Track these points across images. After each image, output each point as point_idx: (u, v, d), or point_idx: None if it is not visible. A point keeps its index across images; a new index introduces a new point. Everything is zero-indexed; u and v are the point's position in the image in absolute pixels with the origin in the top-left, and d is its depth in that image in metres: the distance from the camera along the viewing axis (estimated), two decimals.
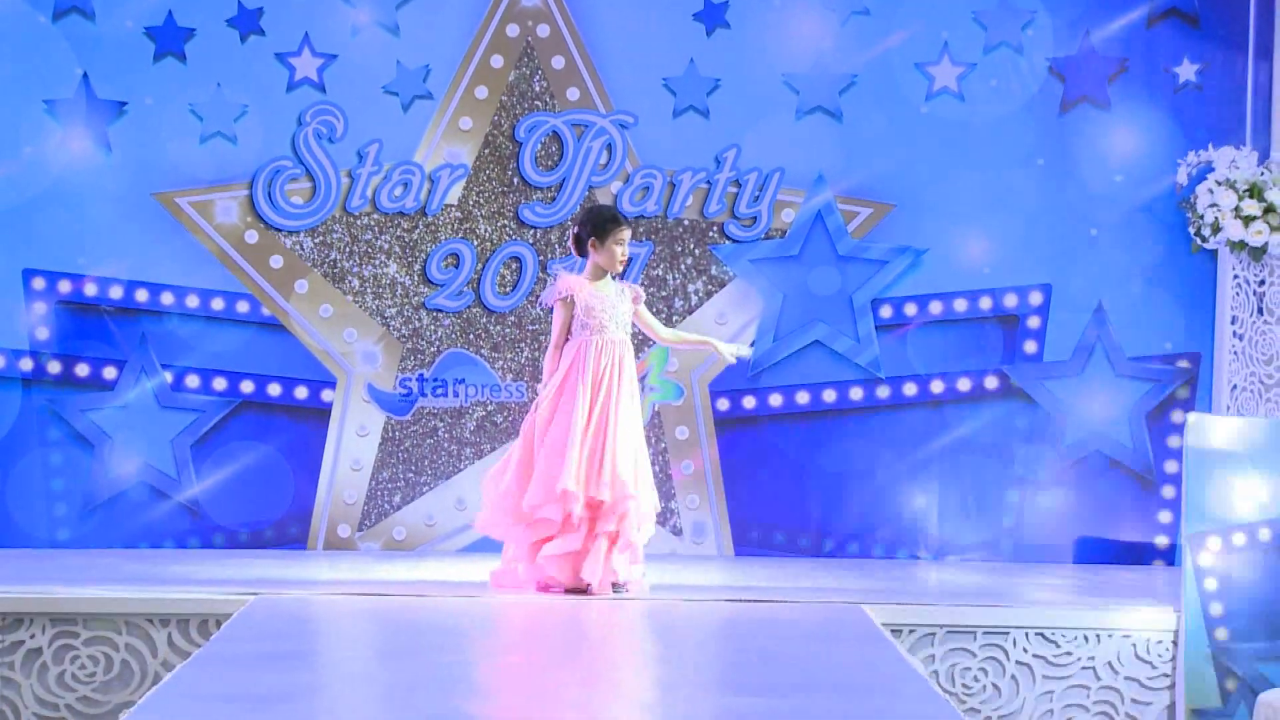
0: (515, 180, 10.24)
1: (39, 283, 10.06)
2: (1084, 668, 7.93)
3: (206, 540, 10.11)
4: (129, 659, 7.74)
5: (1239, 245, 9.90)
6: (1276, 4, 10.12)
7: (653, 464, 8.75)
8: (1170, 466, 10.13)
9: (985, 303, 10.24)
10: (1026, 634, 7.91)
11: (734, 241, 10.23)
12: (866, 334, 10.21)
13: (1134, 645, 7.96)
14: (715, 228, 10.24)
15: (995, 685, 7.92)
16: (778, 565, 9.76)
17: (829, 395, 10.22)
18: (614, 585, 8.19)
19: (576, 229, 8.42)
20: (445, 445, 10.19)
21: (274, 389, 10.16)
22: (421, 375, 10.21)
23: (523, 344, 10.21)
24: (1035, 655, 7.92)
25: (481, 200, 10.23)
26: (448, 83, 10.21)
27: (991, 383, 10.22)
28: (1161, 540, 10.20)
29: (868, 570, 9.58)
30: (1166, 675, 7.96)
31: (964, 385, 10.22)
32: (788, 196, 10.23)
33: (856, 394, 10.23)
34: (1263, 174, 9.89)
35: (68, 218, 10.05)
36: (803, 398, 10.23)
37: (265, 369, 10.16)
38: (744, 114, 10.22)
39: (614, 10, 10.25)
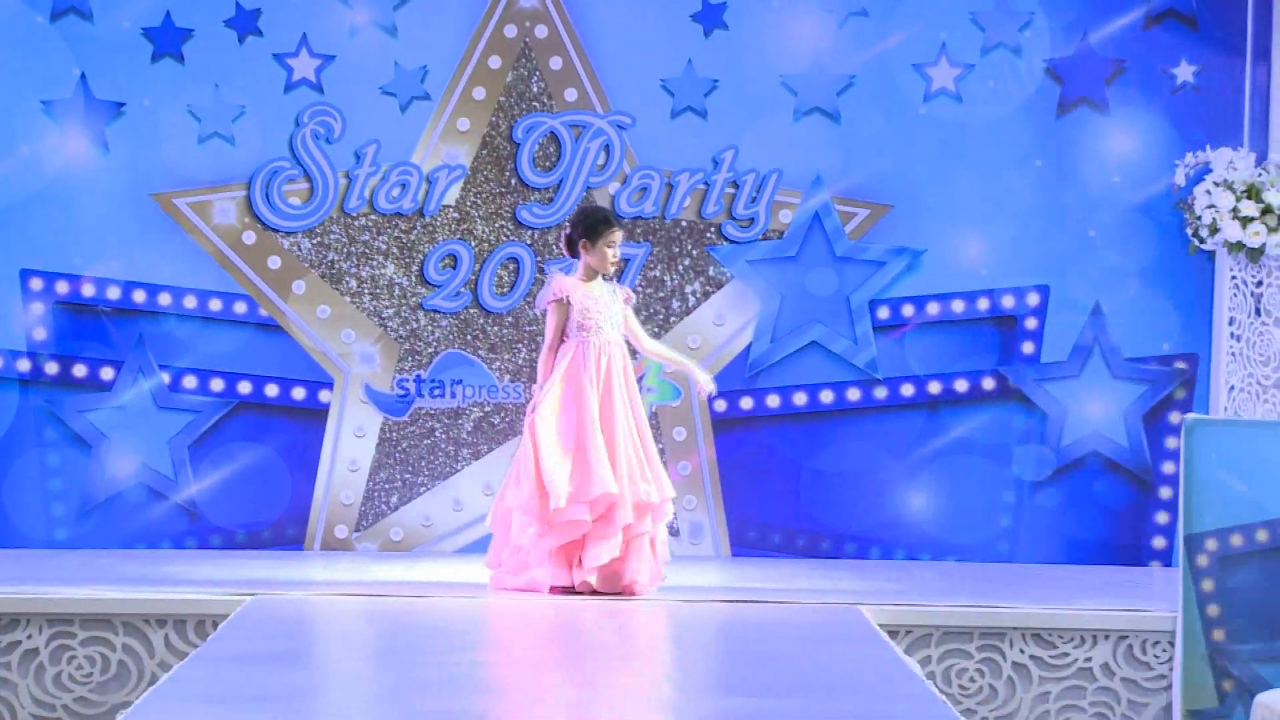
0: (513, 181, 10.24)
1: (36, 283, 10.06)
2: (1081, 669, 7.93)
3: (204, 541, 10.11)
4: (126, 659, 7.73)
5: (1237, 246, 9.90)
6: (1274, 5, 10.12)
7: None
8: (1168, 468, 10.13)
9: (983, 304, 10.24)
10: (1023, 635, 7.90)
11: (731, 242, 10.23)
12: (864, 335, 10.20)
13: (1131, 646, 7.95)
14: (713, 228, 10.24)
15: (992, 686, 7.92)
16: (775, 566, 9.76)
17: (826, 396, 10.22)
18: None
19: (568, 230, 8.43)
20: (442, 446, 10.19)
21: (271, 390, 10.16)
22: (419, 376, 10.20)
23: (520, 345, 10.20)
24: (1032, 656, 7.92)
25: (479, 201, 10.23)
26: (445, 83, 10.20)
27: (989, 384, 10.22)
28: (1159, 541, 10.20)
29: (865, 571, 9.57)
30: (1163, 676, 7.96)
31: (961, 386, 10.22)
32: (785, 197, 10.23)
33: (854, 395, 10.23)
34: (1260, 175, 9.89)
35: (65, 218, 10.05)
36: (800, 399, 10.23)
37: (262, 370, 10.15)
38: (742, 115, 10.22)
39: (612, 11, 10.24)
